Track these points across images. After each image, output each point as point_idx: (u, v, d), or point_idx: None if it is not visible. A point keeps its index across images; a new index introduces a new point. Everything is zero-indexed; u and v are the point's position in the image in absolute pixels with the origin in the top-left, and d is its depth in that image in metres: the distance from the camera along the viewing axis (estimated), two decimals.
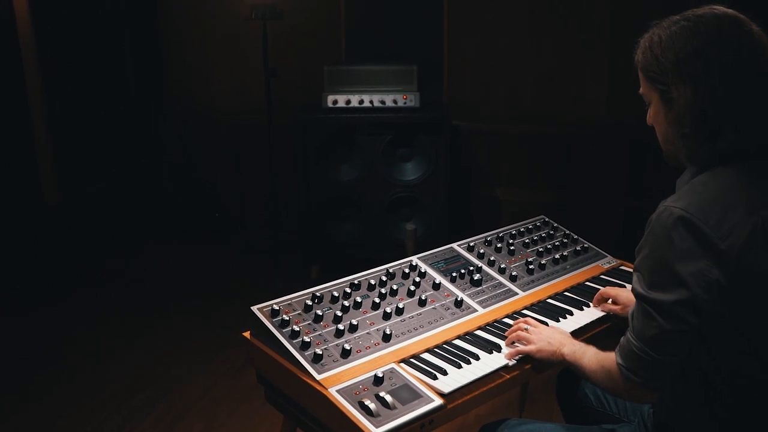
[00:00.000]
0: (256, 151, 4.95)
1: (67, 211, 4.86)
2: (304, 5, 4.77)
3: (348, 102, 4.23)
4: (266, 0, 4.17)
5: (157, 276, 4.70)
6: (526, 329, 1.92)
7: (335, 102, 4.24)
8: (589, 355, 1.75)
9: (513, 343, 1.93)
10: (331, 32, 4.84)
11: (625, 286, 2.32)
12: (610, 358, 1.66)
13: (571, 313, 2.15)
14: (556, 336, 1.88)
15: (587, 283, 2.37)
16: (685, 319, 1.48)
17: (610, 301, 2.17)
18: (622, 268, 2.50)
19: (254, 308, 1.95)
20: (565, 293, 2.29)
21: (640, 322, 1.55)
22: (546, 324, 2.05)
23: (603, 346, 1.82)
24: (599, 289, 2.25)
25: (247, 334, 2.01)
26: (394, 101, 4.24)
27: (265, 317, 1.92)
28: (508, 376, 1.85)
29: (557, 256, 2.46)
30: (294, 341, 1.84)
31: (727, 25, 1.51)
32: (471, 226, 4.78)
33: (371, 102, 4.23)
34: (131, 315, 4.14)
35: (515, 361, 1.88)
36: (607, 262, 2.51)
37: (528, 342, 1.88)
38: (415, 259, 2.30)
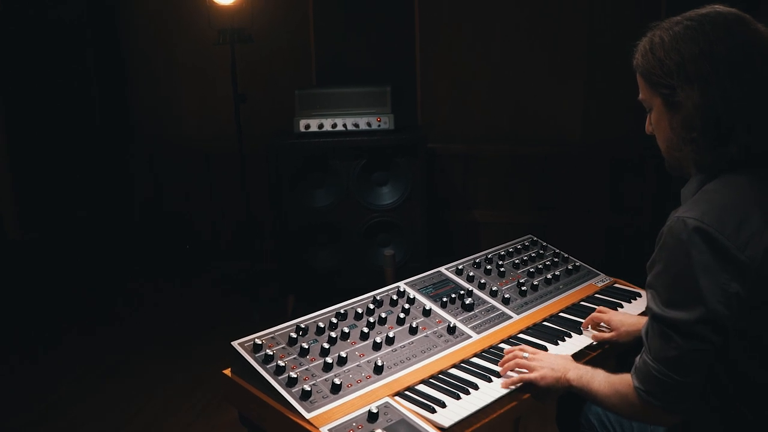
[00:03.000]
0: (228, 180, 4.82)
1: (30, 247, 4.68)
2: (272, 29, 4.68)
3: (321, 126, 4.12)
4: (234, 24, 4.08)
5: (129, 312, 4.51)
6: (525, 357, 1.81)
7: (308, 126, 4.13)
8: (599, 379, 1.64)
9: (509, 371, 1.82)
10: (300, 56, 4.74)
11: (622, 305, 2.24)
12: (624, 381, 1.55)
13: (570, 335, 2.05)
14: (559, 361, 1.77)
15: (582, 302, 2.27)
16: (706, 337, 1.39)
17: (602, 325, 2.07)
18: (616, 285, 2.41)
19: (235, 343, 1.82)
20: (561, 314, 2.19)
21: (657, 342, 1.45)
22: (545, 348, 1.96)
23: (607, 368, 1.73)
24: (594, 308, 2.16)
25: (227, 372, 1.87)
26: (368, 124, 4.14)
27: (247, 353, 1.78)
28: (510, 406, 1.74)
29: (549, 276, 2.36)
30: (279, 377, 1.71)
31: (734, 24, 1.44)
32: (450, 250, 4.68)
33: (344, 125, 4.13)
34: (102, 354, 3.95)
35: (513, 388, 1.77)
36: (601, 281, 2.43)
37: (529, 369, 1.77)
38: (402, 285, 2.18)
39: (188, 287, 4.86)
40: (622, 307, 2.23)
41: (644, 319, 2.03)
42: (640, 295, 2.32)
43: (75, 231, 4.94)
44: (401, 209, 4.17)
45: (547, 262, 2.45)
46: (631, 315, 2.09)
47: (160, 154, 5.09)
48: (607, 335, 2.02)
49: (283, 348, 1.82)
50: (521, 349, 1.86)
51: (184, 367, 3.79)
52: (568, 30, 4.41)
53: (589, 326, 2.08)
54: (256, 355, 1.78)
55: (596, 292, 2.34)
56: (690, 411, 1.48)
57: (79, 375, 3.73)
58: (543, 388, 1.75)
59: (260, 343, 1.81)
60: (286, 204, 4.14)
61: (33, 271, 4.71)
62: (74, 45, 4.90)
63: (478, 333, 2.02)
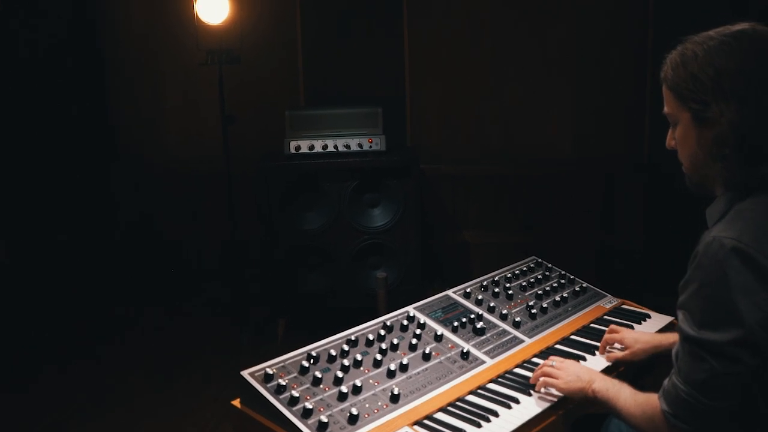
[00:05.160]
0: (216, 202, 4.73)
1: (15, 271, 4.55)
2: (260, 50, 4.63)
3: (311, 147, 4.08)
4: (222, 45, 4.03)
5: (114, 339, 4.39)
6: (552, 365, 1.81)
7: (298, 148, 4.08)
8: (625, 395, 1.62)
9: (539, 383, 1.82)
10: (289, 76, 4.70)
11: (633, 327, 2.21)
12: (651, 401, 1.52)
13: (584, 359, 2.02)
14: (586, 371, 1.76)
15: (592, 325, 2.25)
16: (741, 359, 1.35)
17: (616, 345, 2.04)
18: (624, 307, 2.39)
19: (245, 373, 1.76)
20: (573, 337, 2.16)
21: (688, 364, 1.42)
22: None
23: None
24: (605, 330, 2.13)
25: (236, 402, 1.81)
26: (359, 145, 4.10)
27: (258, 383, 1.73)
28: (533, 431, 1.70)
29: (557, 298, 2.33)
30: (294, 408, 1.66)
31: None
32: (440, 272, 4.65)
33: (335, 147, 4.08)
34: (88, 382, 3.83)
35: (546, 394, 1.78)
36: (608, 302, 2.40)
37: (555, 376, 1.76)
38: (411, 310, 2.14)
39: (175, 312, 4.74)
40: (632, 328, 2.20)
41: (658, 336, 2.02)
42: (649, 316, 2.29)
43: (58, 255, 4.82)
44: (393, 231, 4.12)
45: (554, 284, 2.43)
46: (644, 333, 2.07)
47: (145, 176, 4.98)
48: (620, 355, 1.99)
49: (295, 377, 1.76)
50: (551, 358, 1.87)
51: (174, 395, 3.68)
52: (557, 49, 4.42)
53: (606, 348, 2.05)
54: (268, 385, 1.72)
55: (605, 314, 2.32)
56: None
57: (64, 405, 3.60)
58: (566, 394, 1.74)
59: (272, 372, 1.75)
60: (276, 226, 4.08)
61: (17, 295, 4.57)
62: (55, 68, 4.81)
63: (492, 358, 1.98)
